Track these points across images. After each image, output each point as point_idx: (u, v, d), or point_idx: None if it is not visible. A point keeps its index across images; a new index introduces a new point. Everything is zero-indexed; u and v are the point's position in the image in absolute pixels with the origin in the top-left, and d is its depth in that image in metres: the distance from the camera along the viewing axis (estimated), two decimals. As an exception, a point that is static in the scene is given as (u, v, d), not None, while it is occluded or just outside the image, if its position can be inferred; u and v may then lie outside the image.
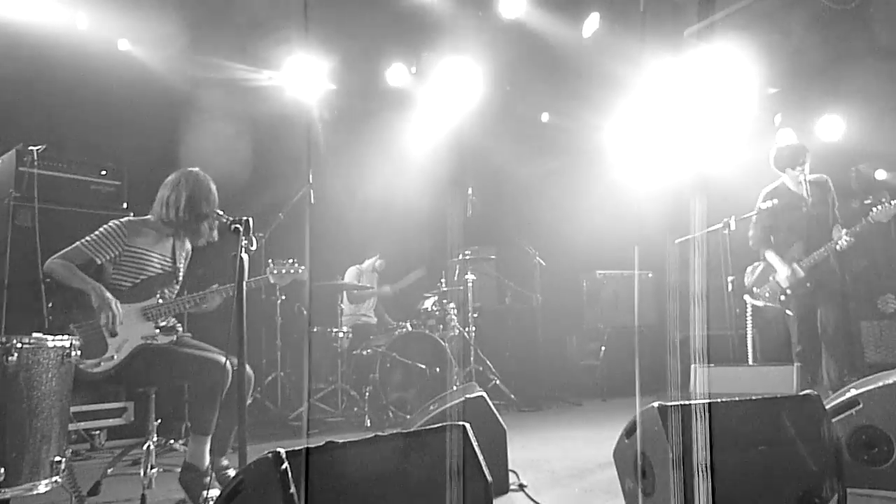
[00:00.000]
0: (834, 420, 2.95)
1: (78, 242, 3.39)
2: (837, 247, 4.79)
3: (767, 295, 5.11)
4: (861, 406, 3.09)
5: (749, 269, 5.30)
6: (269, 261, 3.62)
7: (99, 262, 3.39)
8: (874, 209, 4.73)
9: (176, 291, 3.64)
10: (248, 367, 3.26)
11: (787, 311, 5.05)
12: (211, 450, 3.32)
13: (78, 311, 3.26)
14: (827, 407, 3.02)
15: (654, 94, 7.61)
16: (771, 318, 5.14)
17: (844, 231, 4.80)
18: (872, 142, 6.92)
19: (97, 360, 3.22)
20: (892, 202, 4.68)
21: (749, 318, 5.22)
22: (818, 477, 2.65)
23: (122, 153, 5.47)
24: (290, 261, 3.62)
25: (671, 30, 6.97)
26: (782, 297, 5.02)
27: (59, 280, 3.30)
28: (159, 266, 3.56)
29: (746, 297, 5.24)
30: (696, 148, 7.75)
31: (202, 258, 3.92)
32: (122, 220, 3.52)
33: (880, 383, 3.10)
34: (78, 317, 3.25)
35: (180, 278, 3.69)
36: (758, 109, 7.67)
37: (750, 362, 5.17)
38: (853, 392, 3.15)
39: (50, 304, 3.30)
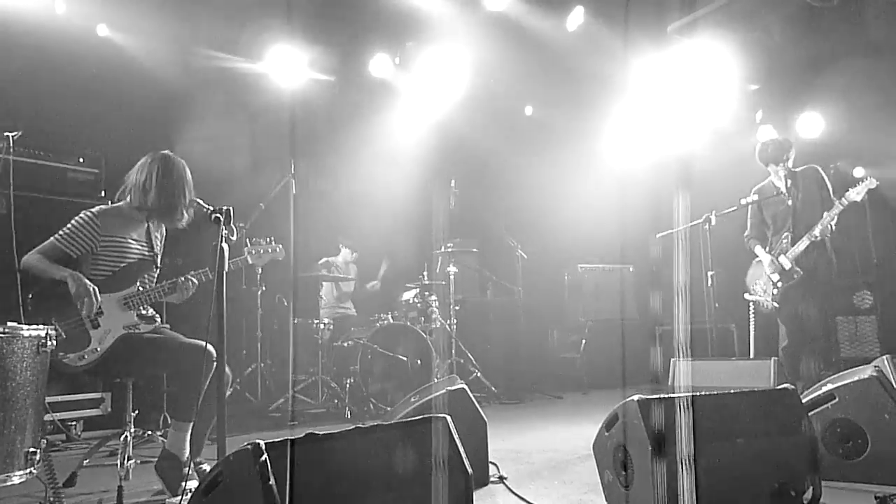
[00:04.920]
0: (810, 413, 2.99)
1: (52, 238, 3.33)
2: (817, 233, 4.83)
3: (761, 291, 5.16)
4: (837, 400, 3.13)
5: (751, 265, 5.35)
6: (247, 240, 3.57)
7: (74, 255, 3.33)
8: (849, 190, 4.80)
9: (155, 277, 3.58)
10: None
11: (774, 304, 5.10)
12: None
13: (58, 304, 3.20)
14: (804, 400, 3.06)
15: (637, 89, 7.64)
16: (768, 313, 5.18)
17: (826, 214, 4.84)
18: (851, 139, 7.00)
19: (81, 353, 3.18)
20: (866, 180, 4.75)
21: (752, 314, 5.27)
22: (794, 469, 2.69)
23: (100, 140, 5.40)
24: (268, 240, 3.57)
25: (654, 25, 7.00)
26: (774, 291, 5.07)
27: (36, 274, 3.24)
28: (138, 253, 3.49)
29: (746, 295, 5.30)
30: (678, 143, 7.80)
31: (182, 247, 3.88)
32: (93, 210, 3.44)
33: (856, 378, 3.14)
34: (59, 310, 3.19)
35: (159, 263, 3.63)
36: (739, 106, 7.73)
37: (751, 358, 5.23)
38: (829, 386, 3.19)
39: (30, 297, 3.24)
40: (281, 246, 3.60)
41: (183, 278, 3.41)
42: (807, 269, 4.94)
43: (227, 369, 3.31)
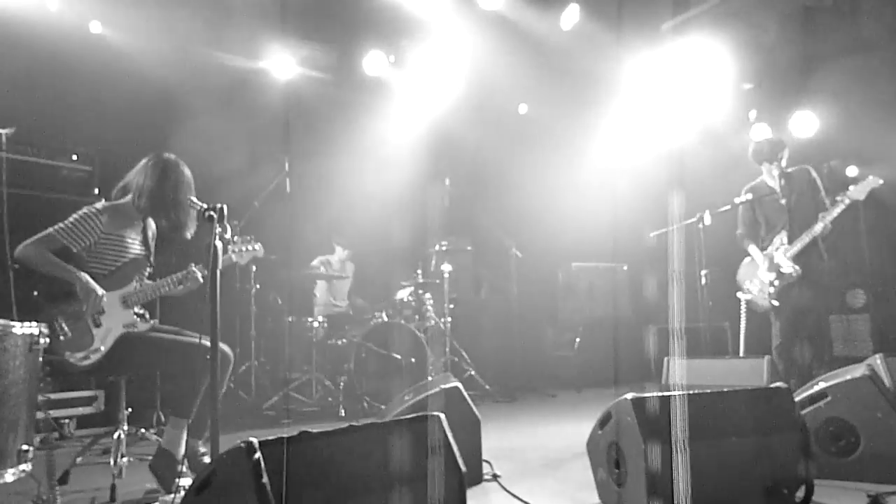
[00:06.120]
0: (803, 412, 3.00)
1: (51, 229, 3.26)
2: (818, 231, 4.83)
3: (756, 290, 5.14)
4: (829, 399, 3.14)
5: (742, 264, 5.33)
6: (230, 238, 3.55)
7: (74, 250, 3.29)
8: (850, 187, 4.78)
9: (147, 275, 3.57)
10: (226, 347, 3.24)
11: (773, 303, 5.07)
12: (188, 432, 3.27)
13: (64, 303, 3.19)
14: (796, 399, 3.07)
15: (631, 88, 7.65)
16: (761, 311, 5.17)
17: (821, 215, 4.84)
18: (845, 138, 7.01)
19: (86, 353, 3.17)
20: (869, 178, 4.74)
21: (743, 312, 5.25)
22: (787, 467, 2.70)
23: (94, 138, 5.38)
24: (248, 238, 3.55)
25: (649, 24, 7.01)
26: (770, 290, 5.05)
27: (32, 267, 3.20)
28: (135, 251, 3.48)
29: (738, 294, 5.28)
30: (671, 142, 7.81)
31: (174, 245, 3.86)
32: (96, 206, 3.41)
33: (849, 376, 3.16)
34: (65, 310, 3.18)
35: (152, 261, 3.63)
36: (733, 105, 7.75)
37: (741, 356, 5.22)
38: (822, 385, 3.21)
39: (35, 294, 3.22)
40: (259, 244, 3.58)
41: (187, 272, 3.41)
42: (802, 268, 4.95)
43: (228, 350, 3.31)
